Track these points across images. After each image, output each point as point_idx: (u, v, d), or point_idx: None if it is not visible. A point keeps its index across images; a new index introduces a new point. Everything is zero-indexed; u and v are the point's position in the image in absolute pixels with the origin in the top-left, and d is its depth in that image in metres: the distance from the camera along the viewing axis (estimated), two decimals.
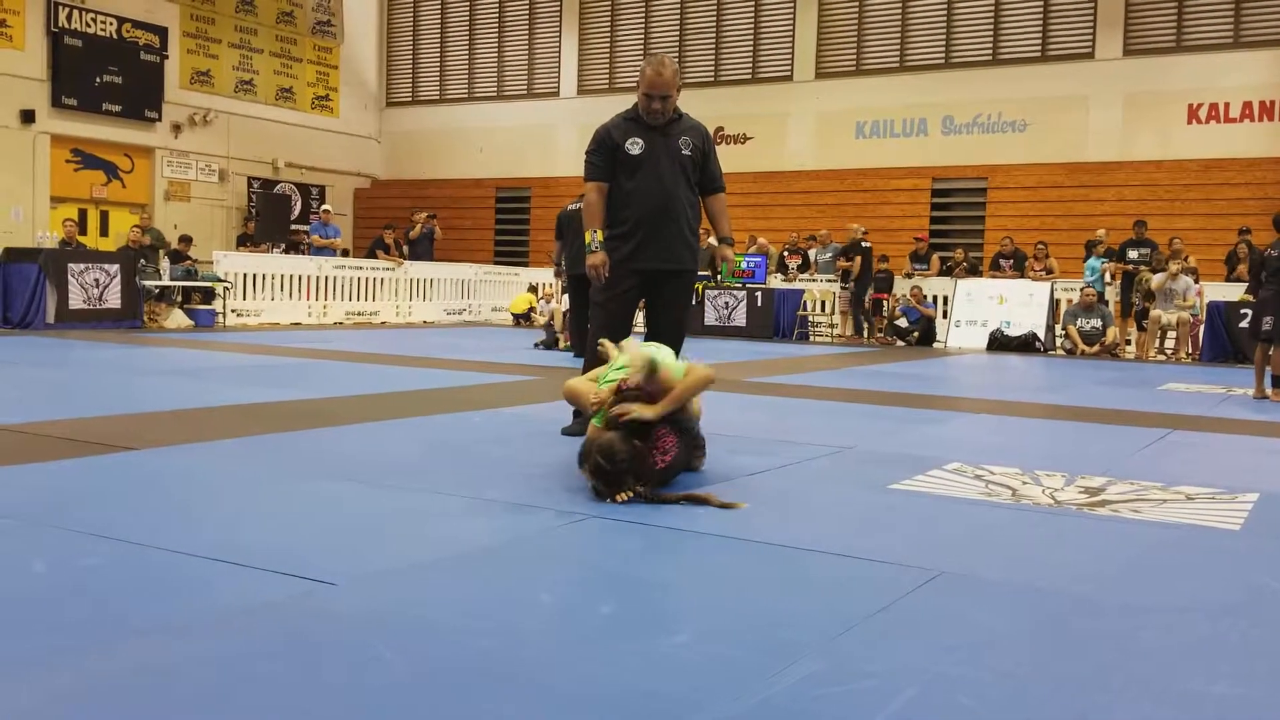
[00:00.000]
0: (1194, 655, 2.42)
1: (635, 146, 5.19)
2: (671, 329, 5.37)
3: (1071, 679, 2.23)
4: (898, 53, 20.40)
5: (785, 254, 18.57)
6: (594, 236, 5.15)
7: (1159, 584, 3.05)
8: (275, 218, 21.82)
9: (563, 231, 11.36)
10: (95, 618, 2.42)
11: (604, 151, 5.23)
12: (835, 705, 2.04)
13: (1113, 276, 15.92)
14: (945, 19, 19.97)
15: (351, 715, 1.93)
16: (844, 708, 2.03)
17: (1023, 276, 16.44)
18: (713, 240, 11.69)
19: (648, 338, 5.23)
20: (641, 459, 3.85)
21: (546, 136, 23.45)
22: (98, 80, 19.69)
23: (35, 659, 2.16)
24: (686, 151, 5.26)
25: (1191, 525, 3.76)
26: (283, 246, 19.22)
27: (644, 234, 5.17)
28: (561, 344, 12.57)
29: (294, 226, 21.98)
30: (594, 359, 5.07)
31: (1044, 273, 16.42)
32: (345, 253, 19.62)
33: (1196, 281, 14.92)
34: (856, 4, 20.67)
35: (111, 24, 19.89)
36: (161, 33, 20.69)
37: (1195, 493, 4.36)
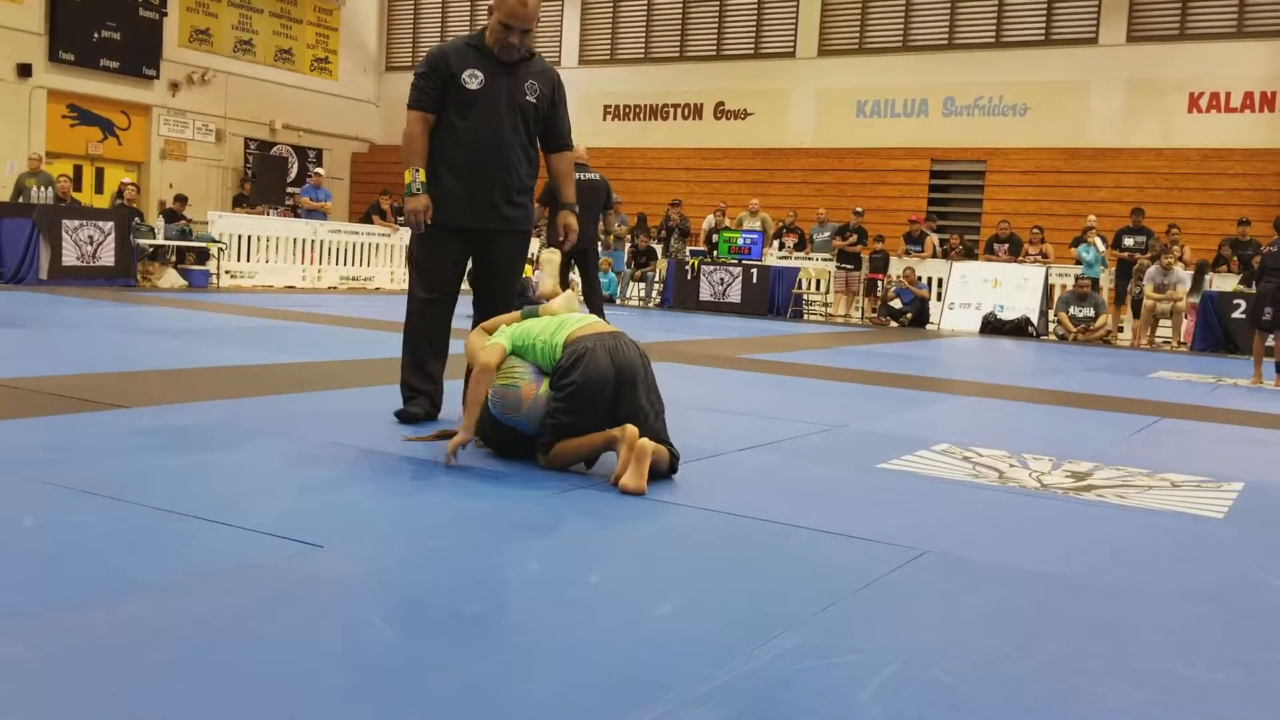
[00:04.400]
0: (1175, 639, 2.45)
1: (473, 80, 4.48)
2: (504, 298, 4.76)
3: (1053, 660, 2.25)
4: (901, 32, 20.32)
5: (783, 231, 18.57)
6: (415, 176, 4.48)
7: (1142, 569, 3.07)
8: (272, 180, 21.72)
9: None
10: (85, 574, 2.43)
11: (436, 79, 4.51)
12: (817, 679, 2.06)
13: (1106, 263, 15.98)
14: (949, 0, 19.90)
15: (339, 676, 1.95)
16: (826, 682, 2.05)
17: (1018, 260, 16.45)
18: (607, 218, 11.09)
19: (475, 308, 4.76)
20: None
21: None
22: (96, 36, 19.54)
23: (26, 613, 2.16)
24: (531, 98, 4.59)
25: (1176, 512, 3.79)
26: (279, 208, 19.13)
27: (468, 184, 4.54)
28: None
29: (290, 189, 21.90)
30: (414, 347, 4.66)
31: (1040, 257, 16.43)
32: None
33: (1188, 270, 14.97)
34: None
35: None
36: None
37: (1181, 480, 4.39)
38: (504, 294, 4.78)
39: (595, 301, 9.48)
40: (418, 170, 4.47)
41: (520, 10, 4.42)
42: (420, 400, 4.71)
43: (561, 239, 4.81)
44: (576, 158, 11.69)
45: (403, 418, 4.62)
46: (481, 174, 4.55)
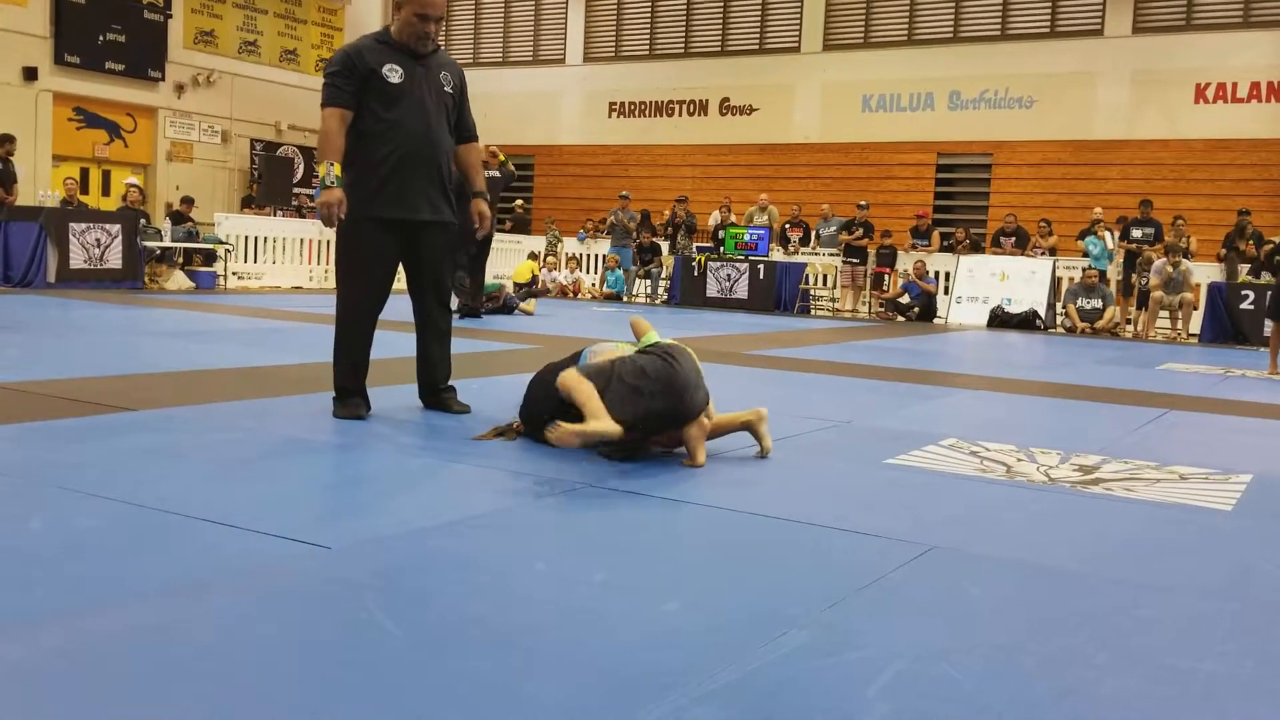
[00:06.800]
0: (1183, 633, 2.44)
1: (394, 74, 4.55)
2: (435, 292, 4.90)
3: (1060, 654, 2.25)
4: (906, 26, 20.28)
5: (787, 227, 18.55)
6: (330, 170, 4.45)
7: (1150, 562, 3.06)
8: (278, 181, 21.75)
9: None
10: (92, 577, 2.44)
11: (353, 76, 4.53)
12: (825, 676, 2.06)
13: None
14: None
15: (346, 677, 1.95)
16: (834, 679, 2.04)
17: (1025, 254, 16.41)
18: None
19: (414, 307, 4.90)
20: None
21: (551, 104, 23.34)
22: (101, 38, 19.56)
23: (32, 616, 2.17)
24: (448, 88, 4.72)
25: (1184, 505, 3.78)
26: (285, 209, 19.16)
27: (402, 177, 4.58)
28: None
29: (296, 190, 21.91)
30: (350, 348, 4.64)
31: (1045, 253, 16.39)
32: None
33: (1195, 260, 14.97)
34: None
35: None
36: None
37: (1189, 473, 4.37)
38: (437, 287, 4.89)
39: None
40: (332, 165, 4.48)
41: None
42: (357, 400, 4.72)
43: (476, 226, 4.95)
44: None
45: (345, 415, 4.63)
46: (414, 166, 4.61)
